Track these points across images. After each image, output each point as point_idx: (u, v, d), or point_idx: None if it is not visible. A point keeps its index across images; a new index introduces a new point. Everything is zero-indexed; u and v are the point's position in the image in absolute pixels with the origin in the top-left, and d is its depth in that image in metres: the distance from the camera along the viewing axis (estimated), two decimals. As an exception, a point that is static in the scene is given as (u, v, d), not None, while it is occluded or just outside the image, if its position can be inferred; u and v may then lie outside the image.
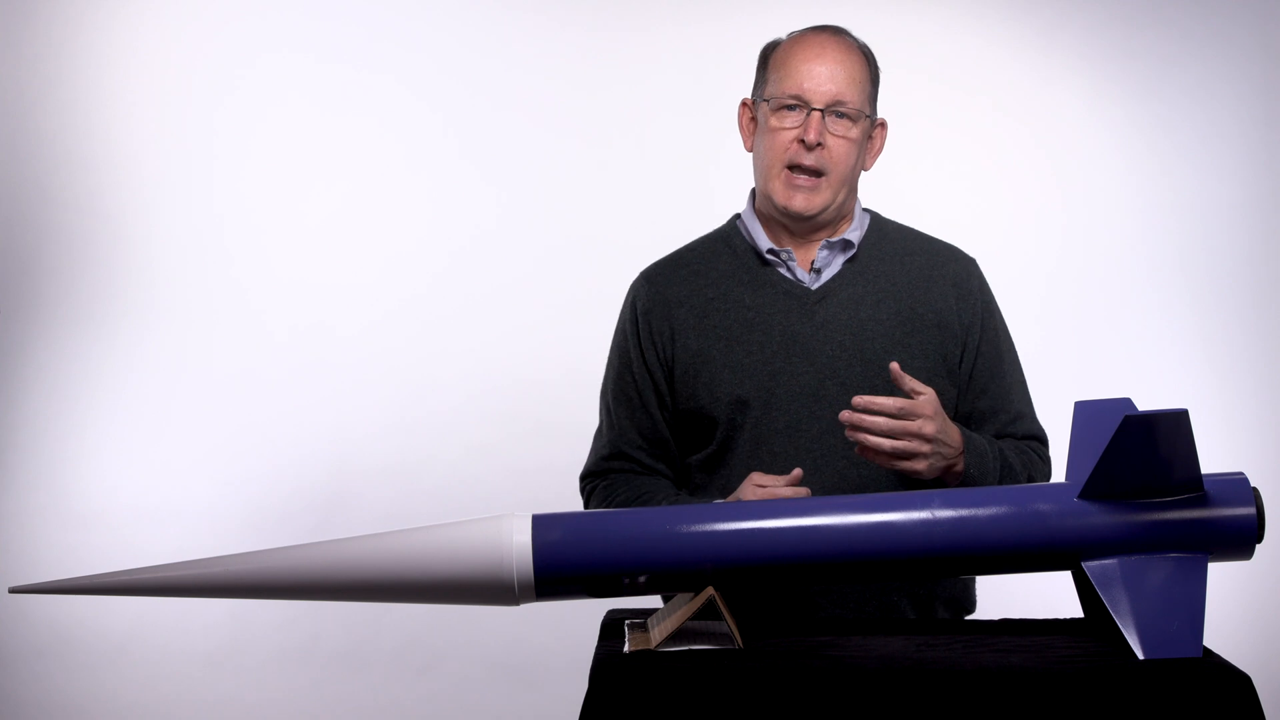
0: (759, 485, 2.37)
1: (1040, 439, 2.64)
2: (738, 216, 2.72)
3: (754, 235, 2.65)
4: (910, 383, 2.37)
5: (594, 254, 4.65)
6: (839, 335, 2.57)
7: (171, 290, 4.73)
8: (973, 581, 2.68)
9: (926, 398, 2.36)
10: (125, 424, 4.71)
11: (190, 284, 4.73)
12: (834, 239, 2.63)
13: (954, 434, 2.41)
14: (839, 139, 2.57)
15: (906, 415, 2.33)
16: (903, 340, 2.58)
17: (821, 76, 2.56)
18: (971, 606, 2.68)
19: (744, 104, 2.68)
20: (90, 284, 4.73)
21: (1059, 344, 4.69)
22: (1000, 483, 2.46)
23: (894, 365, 2.38)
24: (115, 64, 4.74)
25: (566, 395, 4.53)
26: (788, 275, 2.63)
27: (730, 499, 2.42)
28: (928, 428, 2.34)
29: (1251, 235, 4.78)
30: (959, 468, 2.42)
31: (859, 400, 2.33)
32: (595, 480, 2.66)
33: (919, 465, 2.36)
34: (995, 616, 2.44)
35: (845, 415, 2.33)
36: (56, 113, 4.74)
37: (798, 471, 2.38)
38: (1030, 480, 2.55)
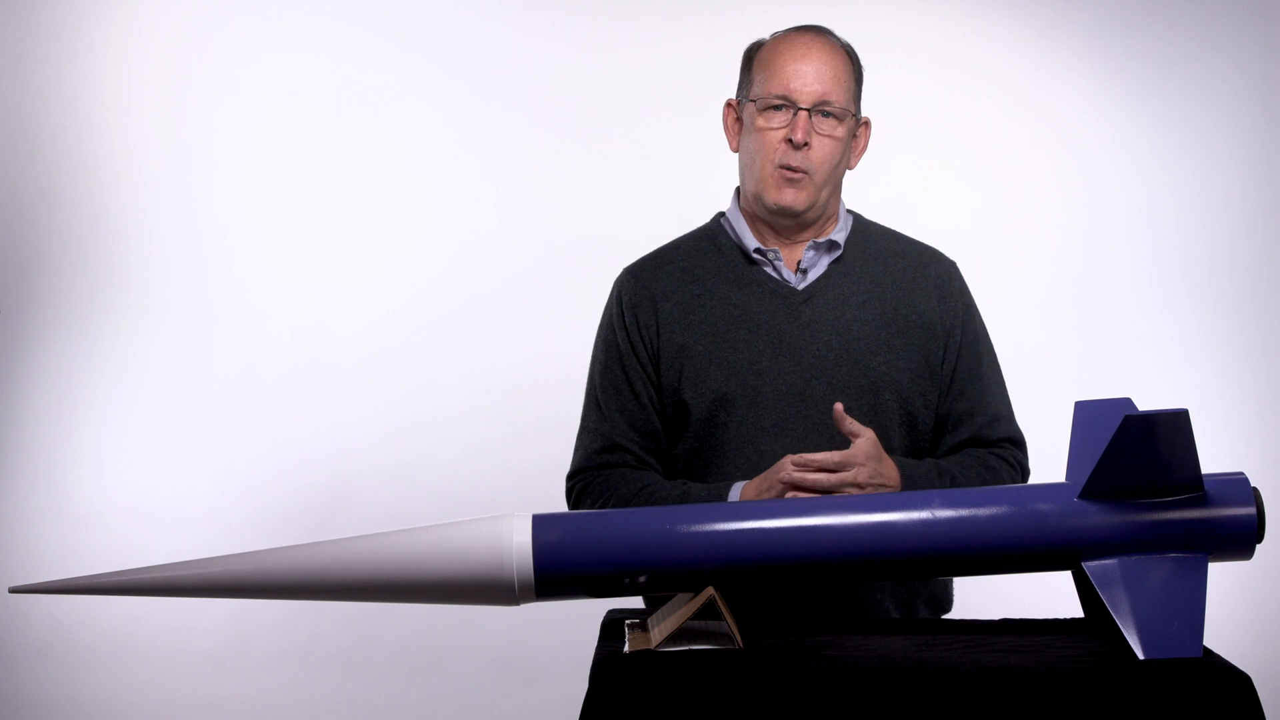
0: (797, 465, 2.36)
1: (1016, 441, 2.65)
2: (722, 214, 2.72)
3: (740, 234, 2.66)
4: (850, 425, 2.40)
5: (593, 253, 4.63)
6: (825, 335, 2.58)
7: (171, 290, 4.73)
8: (950, 581, 2.69)
9: (864, 439, 2.39)
10: (125, 424, 4.71)
11: (190, 284, 4.73)
12: (820, 239, 2.64)
13: (891, 473, 2.43)
14: (825, 138, 2.58)
15: (843, 467, 2.36)
16: (888, 341, 2.59)
17: (807, 76, 2.57)
18: (949, 605, 2.68)
19: (729, 105, 2.69)
20: (90, 284, 4.73)
21: (1059, 344, 4.69)
22: None
23: (838, 407, 2.40)
24: (115, 64, 4.75)
25: (567, 394, 4.50)
26: (774, 275, 2.64)
27: (760, 479, 2.42)
28: (861, 476, 2.37)
29: (1251, 235, 4.78)
30: None
31: (797, 459, 2.36)
32: (588, 476, 2.62)
33: None
34: (995, 616, 2.44)
35: (784, 476, 2.35)
36: (56, 113, 4.74)
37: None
38: None
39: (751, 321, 2.59)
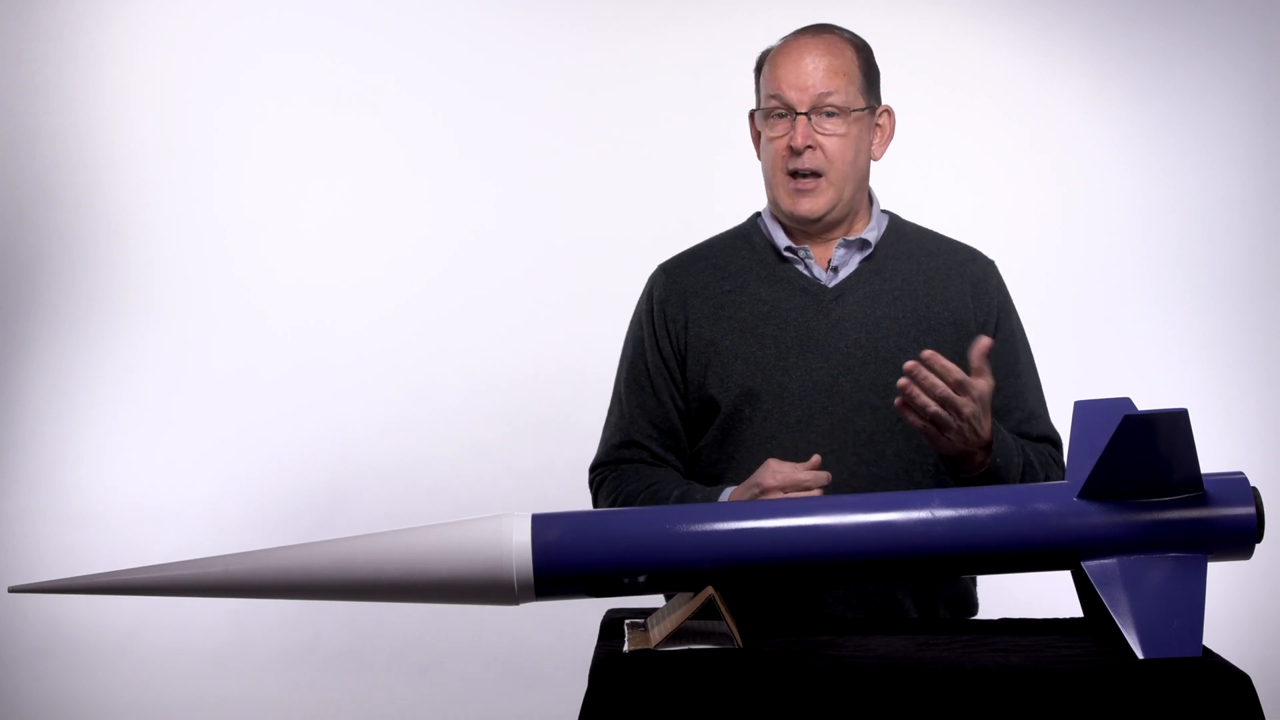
0: (775, 470, 2.36)
1: (1053, 441, 2.63)
2: (758, 214, 2.72)
3: (773, 233, 2.66)
4: (979, 363, 2.34)
5: (593, 253, 4.65)
6: (854, 332, 2.57)
7: (172, 290, 4.74)
8: (973, 583, 2.68)
9: (985, 382, 2.34)
10: (125, 424, 4.71)
11: (191, 284, 4.74)
12: (851, 238, 2.63)
13: (986, 425, 2.38)
14: (830, 136, 2.57)
15: (962, 389, 2.31)
16: (918, 338, 2.58)
17: (802, 79, 2.57)
18: (974, 608, 2.68)
19: (750, 115, 2.69)
20: (90, 284, 4.73)
21: (1059, 344, 4.68)
22: (1021, 481, 2.45)
23: (985, 340, 2.34)
24: (115, 64, 4.75)
25: (567, 394, 4.54)
26: (805, 273, 2.63)
27: (745, 484, 2.41)
28: (968, 408, 2.32)
29: (1251, 235, 4.78)
30: (980, 459, 2.41)
31: (927, 354, 2.29)
32: (605, 470, 2.65)
33: (941, 437, 2.34)
34: (995, 616, 2.44)
35: (910, 365, 2.29)
36: (56, 113, 4.74)
37: (816, 458, 2.37)
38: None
39: (780, 318, 2.59)
